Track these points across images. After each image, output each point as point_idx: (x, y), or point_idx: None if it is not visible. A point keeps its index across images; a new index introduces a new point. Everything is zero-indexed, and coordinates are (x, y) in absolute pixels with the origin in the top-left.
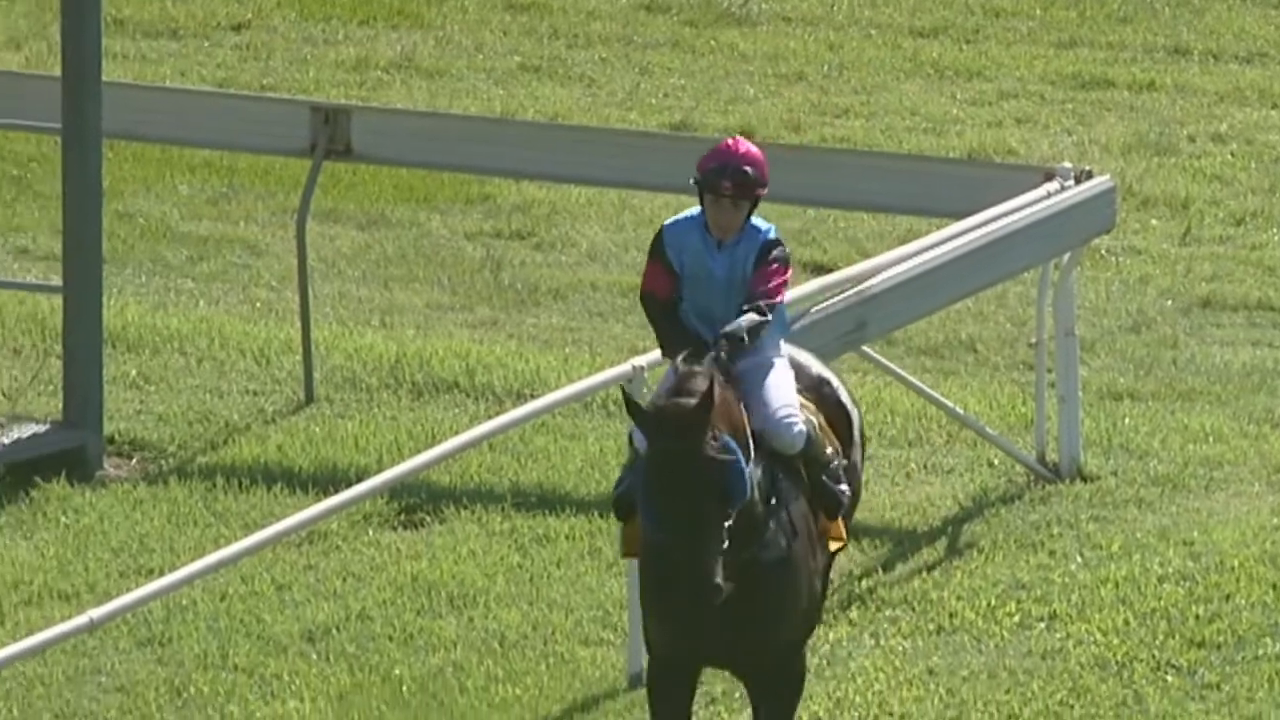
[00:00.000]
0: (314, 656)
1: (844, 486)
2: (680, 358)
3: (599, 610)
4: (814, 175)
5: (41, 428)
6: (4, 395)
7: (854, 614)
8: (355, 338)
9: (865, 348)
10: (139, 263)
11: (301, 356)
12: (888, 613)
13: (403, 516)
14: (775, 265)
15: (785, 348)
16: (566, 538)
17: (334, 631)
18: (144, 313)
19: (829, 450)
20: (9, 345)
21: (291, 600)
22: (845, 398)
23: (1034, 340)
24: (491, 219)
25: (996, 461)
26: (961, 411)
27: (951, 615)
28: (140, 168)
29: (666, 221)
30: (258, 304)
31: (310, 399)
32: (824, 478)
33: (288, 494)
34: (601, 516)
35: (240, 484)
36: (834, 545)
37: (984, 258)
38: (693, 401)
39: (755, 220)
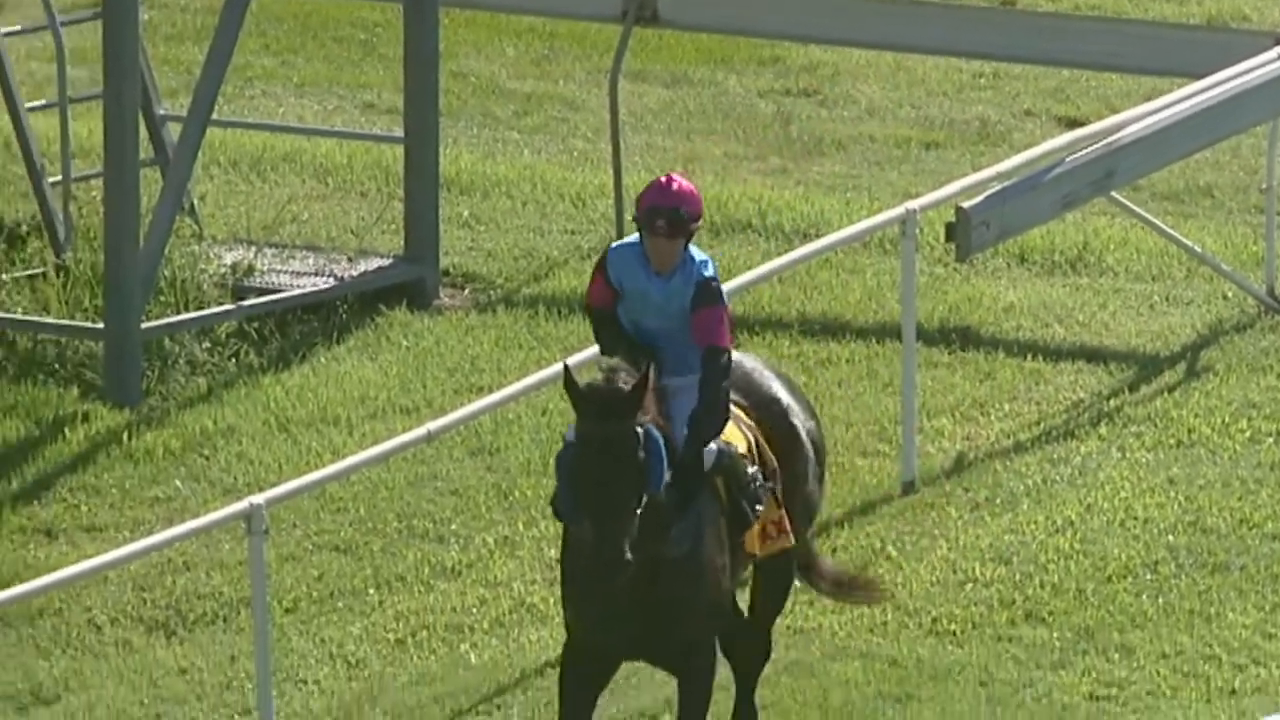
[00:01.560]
0: None
1: (759, 506)
2: (611, 361)
3: (875, 425)
4: (1068, 41)
5: (385, 262)
6: (353, 233)
7: (1103, 430)
8: None
9: (1113, 194)
10: (471, 116)
11: (613, 200)
12: (1133, 429)
13: None
14: (715, 308)
15: (749, 363)
16: (847, 361)
17: None
18: (475, 161)
19: (750, 470)
20: (356, 189)
21: None
22: (796, 416)
23: (1264, 186)
24: (781, 78)
25: (1230, 294)
26: (1199, 250)
27: (1190, 431)
28: (472, 31)
29: (612, 245)
30: (575, 153)
31: (621, 238)
32: (739, 497)
33: None
34: (879, 343)
35: (559, 312)
36: (759, 545)
37: (1219, 114)
38: (626, 388)
39: (693, 251)
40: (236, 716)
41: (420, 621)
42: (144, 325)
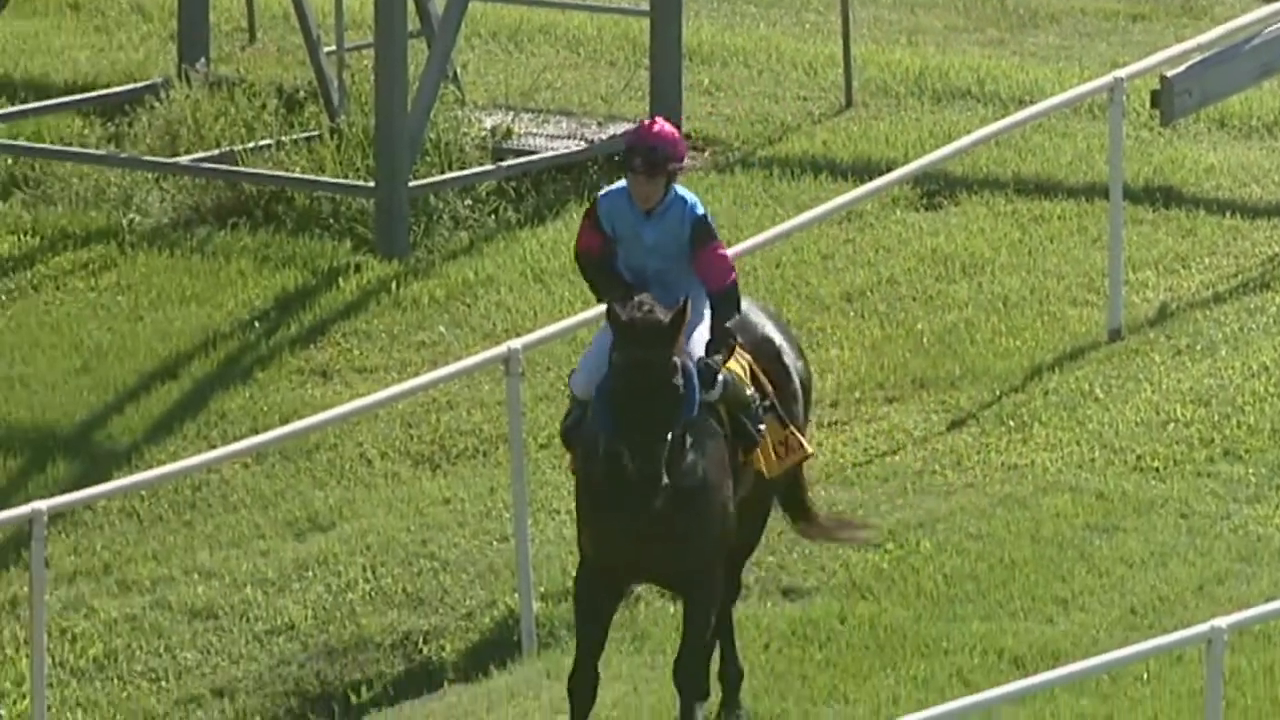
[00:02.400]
0: (851, 313)
1: (761, 426)
2: (637, 298)
3: (1084, 277)
4: None
5: (632, 126)
6: (602, 99)
7: None
8: (886, 53)
9: None
10: None
11: (842, 69)
12: None
13: (924, 200)
14: (714, 244)
15: (744, 305)
16: (1058, 218)
17: (868, 293)
18: (715, 32)
19: (749, 392)
20: (606, 59)
21: (834, 267)
22: (788, 357)
23: None
24: None
25: None
26: None
27: None
28: None
29: (601, 192)
30: (807, 25)
31: (850, 104)
32: (743, 417)
33: (830, 181)
34: (1088, 201)
35: (792, 173)
36: (768, 466)
37: None
38: (664, 320)
39: (682, 192)
40: (495, 543)
41: None
42: (411, 184)
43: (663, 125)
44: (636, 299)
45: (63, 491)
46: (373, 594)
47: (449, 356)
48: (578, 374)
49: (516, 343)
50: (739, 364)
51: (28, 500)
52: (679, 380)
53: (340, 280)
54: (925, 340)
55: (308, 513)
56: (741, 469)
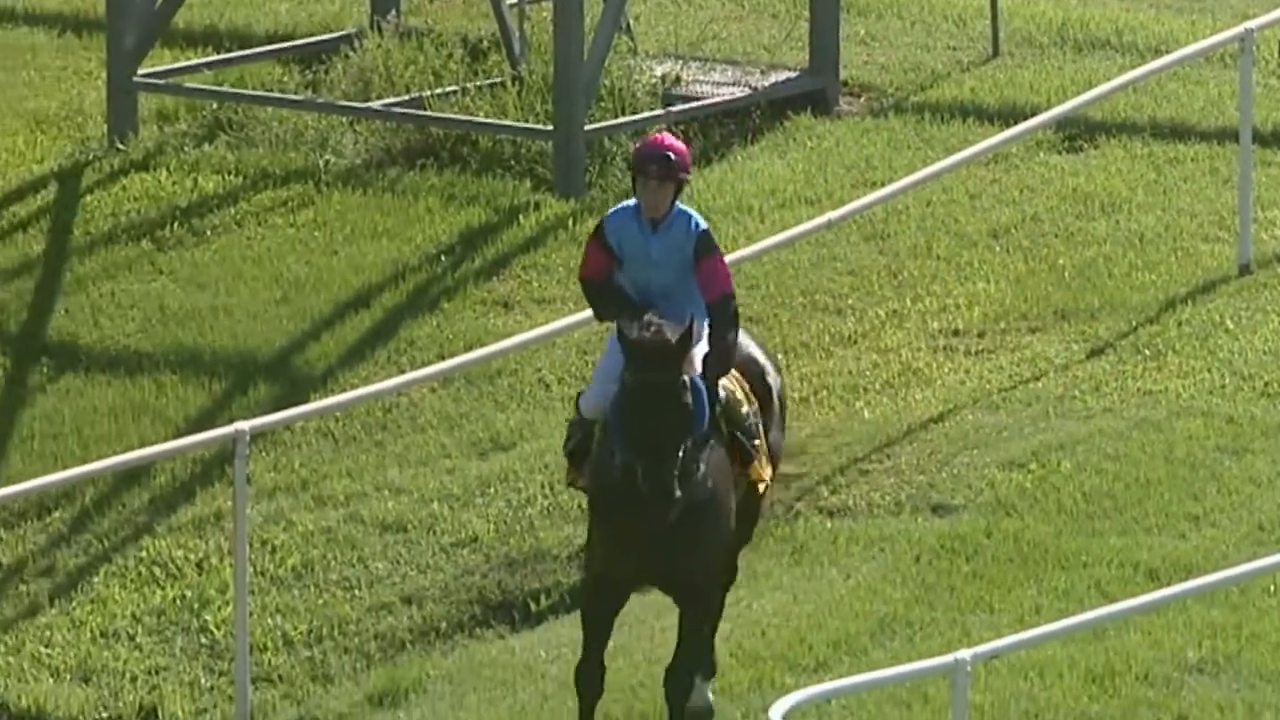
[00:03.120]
0: (997, 249)
1: (756, 441)
2: (645, 316)
3: (1215, 216)
4: None
5: (793, 74)
6: (765, 49)
7: None
8: (1031, 6)
9: None
10: None
11: (990, 20)
12: None
13: (1066, 143)
14: (715, 256)
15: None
16: (1191, 160)
17: (1012, 230)
18: None
19: (744, 409)
20: (768, 11)
21: (981, 206)
22: (770, 376)
23: None
24: None
25: None
26: None
27: None
28: None
29: (607, 214)
30: None
31: (996, 53)
32: (738, 433)
33: (977, 125)
34: (1219, 144)
35: (942, 118)
36: (761, 486)
37: None
38: (674, 339)
39: (684, 208)
40: None
41: (821, 382)
42: (587, 128)
43: (672, 139)
44: (645, 318)
45: (263, 413)
46: (550, 509)
47: None
48: (588, 394)
49: None
50: (736, 383)
51: (231, 421)
52: (688, 399)
53: (520, 217)
54: (1066, 274)
55: (490, 433)
56: (737, 481)
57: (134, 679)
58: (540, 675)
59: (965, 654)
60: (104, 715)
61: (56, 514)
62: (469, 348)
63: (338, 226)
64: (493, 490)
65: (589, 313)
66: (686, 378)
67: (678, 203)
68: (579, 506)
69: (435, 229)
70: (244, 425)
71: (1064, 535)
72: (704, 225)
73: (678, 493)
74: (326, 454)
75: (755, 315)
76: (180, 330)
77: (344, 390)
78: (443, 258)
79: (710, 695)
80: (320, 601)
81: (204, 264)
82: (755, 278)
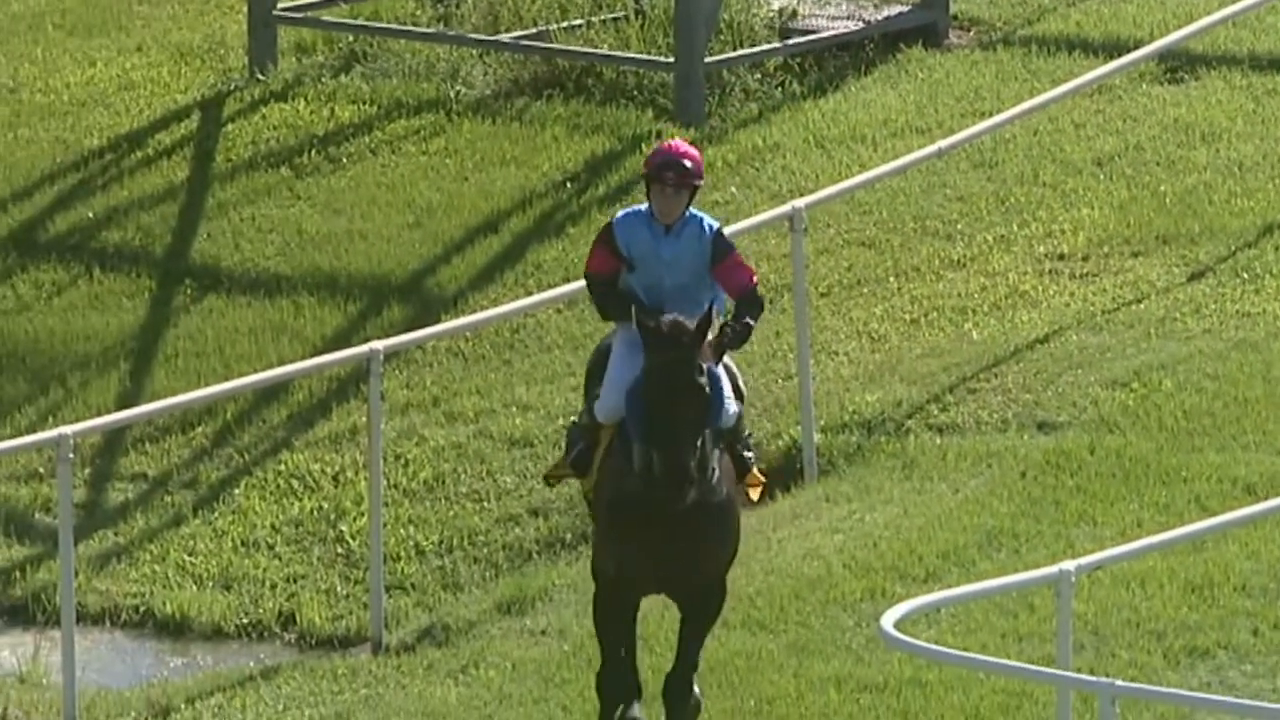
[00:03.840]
0: (1101, 176)
1: (751, 454)
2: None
3: None
4: None
5: (905, 8)
6: None
7: None
8: None
9: None
10: None
11: None
12: None
13: (1168, 75)
14: (733, 254)
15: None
16: None
17: (1116, 158)
18: None
19: (741, 422)
20: None
21: (1085, 135)
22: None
23: None
24: None
25: None
26: None
27: None
28: None
29: (615, 216)
30: None
31: None
32: (739, 447)
33: (1082, 58)
34: None
35: (1048, 50)
36: (754, 493)
37: None
38: (690, 323)
39: (696, 211)
40: (780, 381)
41: (931, 304)
42: (707, 60)
43: (686, 146)
44: (665, 316)
45: (396, 333)
46: None
47: (739, 215)
48: (602, 401)
49: (800, 202)
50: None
51: (366, 341)
52: (703, 381)
53: (642, 146)
54: (1167, 200)
55: None
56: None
57: (273, 587)
58: None
59: (1069, 565)
60: (245, 621)
61: (199, 429)
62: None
63: (467, 154)
64: None
65: None
66: (703, 363)
67: (690, 208)
68: None
69: (560, 157)
70: (378, 345)
71: (1164, 452)
72: (717, 225)
73: (694, 474)
74: (457, 372)
75: (868, 240)
76: (317, 254)
77: (473, 311)
78: (568, 184)
79: (696, 689)
80: (450, 513)
81: (340, 190)
82: (868, 204)
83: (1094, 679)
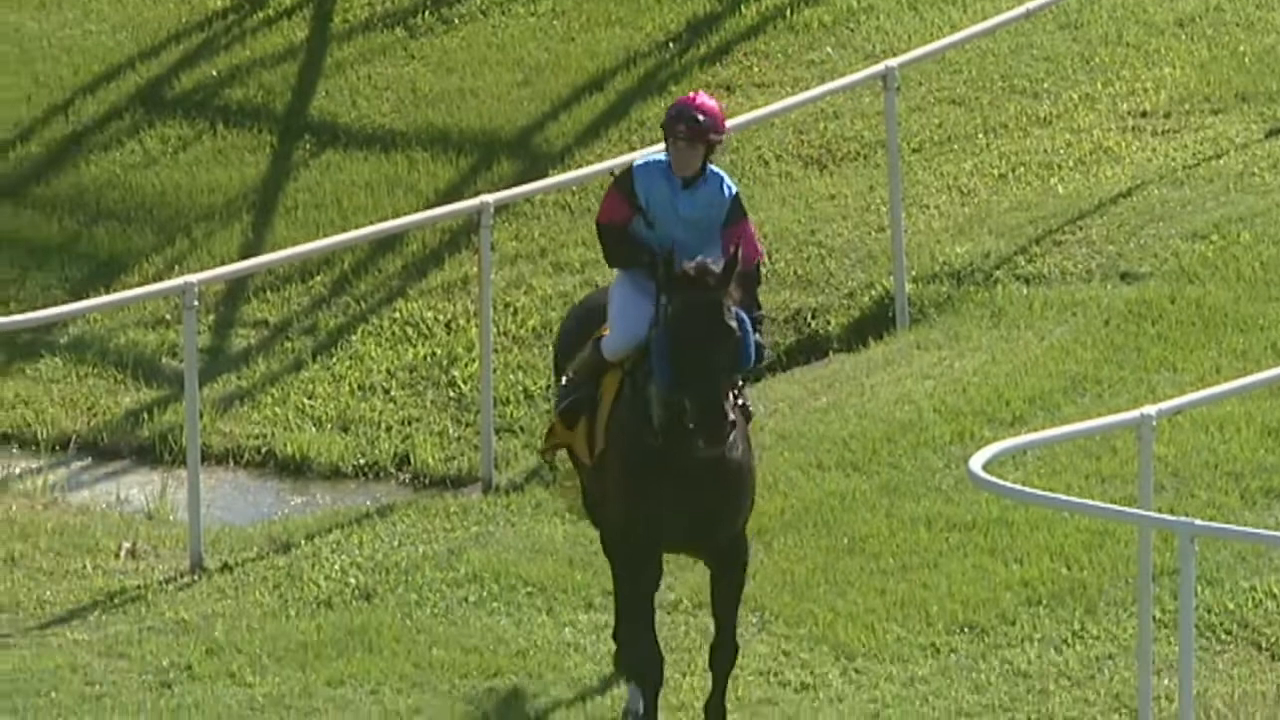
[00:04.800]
0: (1183, 36)
1: (749, 404)
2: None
3: None
4: None
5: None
6: None
7: None
8: None
9: None
10: None
11: None
12: None
13: None
14: (746, 221)
15: None
16: None
17: (1197, 19)
18: None
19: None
20: None
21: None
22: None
23: None
24: None
25: None
26: None
27: None
28: None
29: (636, 163)
30: None
31: None
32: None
33: None
34: None
35: None
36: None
37: None
38: (719, 267)
39: (718, 170)
40: (873, 233)
41: (1018, 160)
42: None
43: (706, 100)
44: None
45: (506, 186)
46: (769, 276)
47: (834, 74)
48: (609, 338)
49: (893, 62)
50: None
51: (477, 194)
52: (733, 322)
53: (742, 7)
54: (1247, 60)
55: None
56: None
57: (388, 429)
58: (758, 428)
59: (1150, 410)
60: (361, 462)
61: (318, 278)
62: None
63: (574, 15)
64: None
65: (805, 95)
66: (731, 305)
67: (711, 165)
68: (794, 273)
69: (664, 17)
70: (488, 198)
71: (1242, 301)
72: (735, 190)
73: (732, 417)
74: (563, 224)
75: (958, 98)
76: (430, 111)
77: (580, 166)
78: (670, 44)
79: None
80: None
81: (452, 50)
82: (958, 63)
83: (1173, 518)
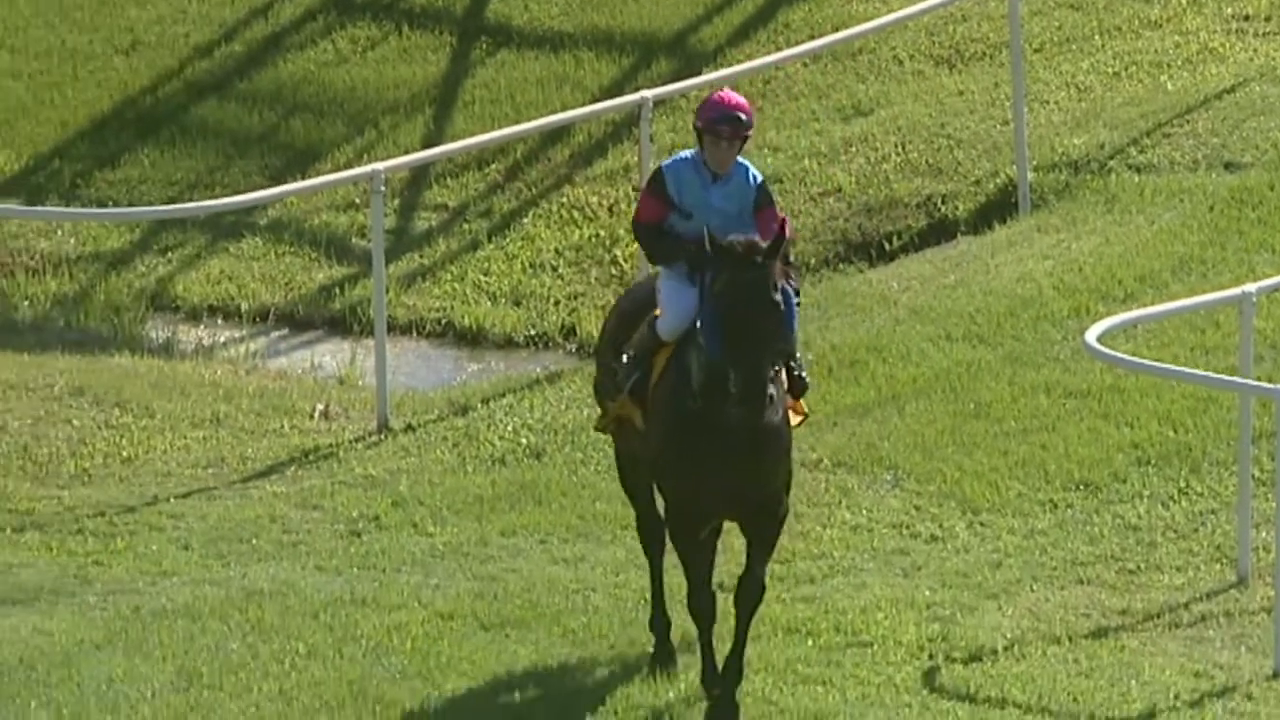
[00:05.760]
0: None
1: (805, 374)
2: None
3: None
4: None
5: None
6: None
7: None
8: None
9: None
10: None
11: None
12: None
13: None
14: (774, 207)
15: None
16: None
17: None
18: None
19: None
20: None
21: None
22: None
23: None
24: None
25: None
26: None
27: None
28: None
29: (664, 163)
30: None
31: None
32: (795, 367)
33: None
34: None
35: None
36: (796, 419)
37: None
38: (766, 243)
39: (743, 160)
40: (998, 126)
41: (1131, 59)
42: None
43: (737, 96)
44: (737, 235)
45: (664, 83)
46: (902, 165)
47: None
48: (664, 319)
49: None
50: None
51: (637, 90)
52: (779, 296)
53: None
54: None
55: (852, 101)
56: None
57: (556, 303)
58: (892, 303)
59: (1251, 287)
60: (532, 333)
61: (493, 166)
62: (836, 29)
63: None
64: (854, 149)
65: (936, 0)
66: (778, 280)
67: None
68: (925, 162)
69: None
70: (648, 93)
71: None
72: (761, 177)
73: (771, 390)
74: None
75: (1076, 2)
76: (595, 14)
77: (730, 65)
78: None
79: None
80: None
81: None
82: None
83: (1271, 386)
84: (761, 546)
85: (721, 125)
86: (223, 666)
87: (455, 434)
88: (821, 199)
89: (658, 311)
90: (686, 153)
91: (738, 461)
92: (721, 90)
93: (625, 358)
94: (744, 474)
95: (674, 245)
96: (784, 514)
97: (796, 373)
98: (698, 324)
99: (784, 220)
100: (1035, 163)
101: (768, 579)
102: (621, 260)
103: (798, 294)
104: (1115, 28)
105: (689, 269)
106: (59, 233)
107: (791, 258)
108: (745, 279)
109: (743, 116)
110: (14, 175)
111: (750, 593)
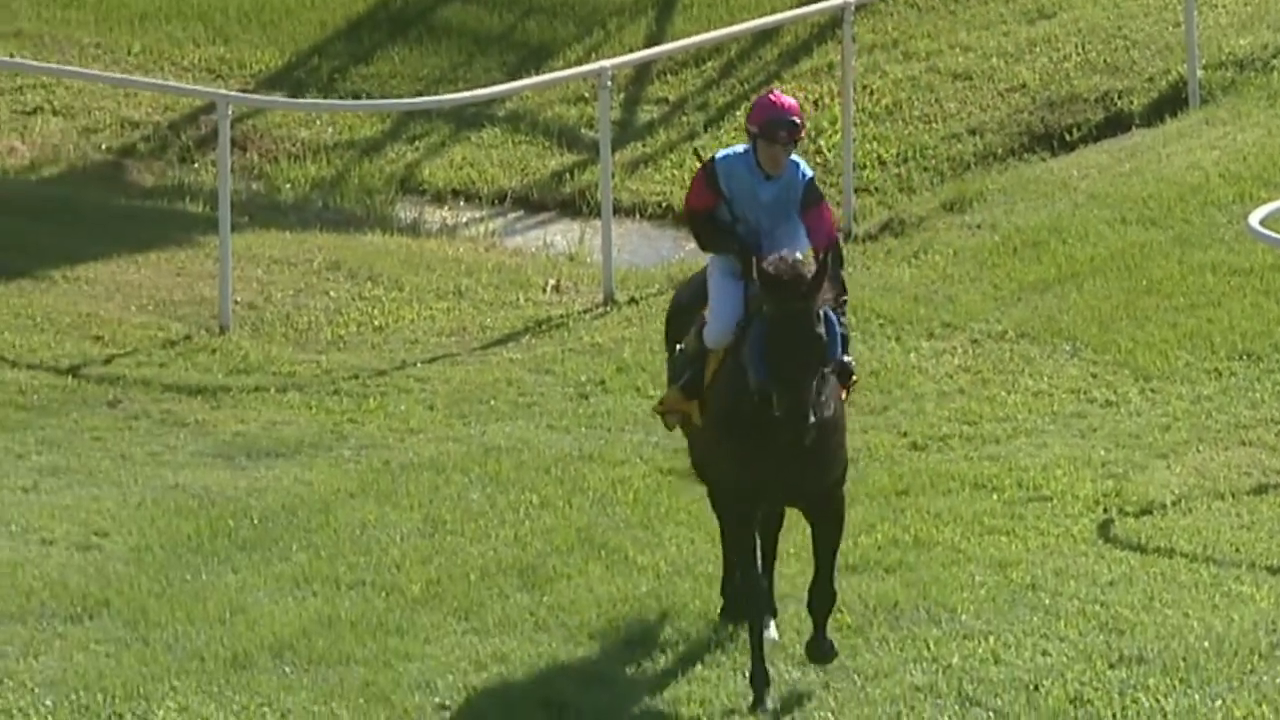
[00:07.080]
0: None
1: (851, 358)
2: (779, 254)
3: None
4: None
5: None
6: None
7: None
8: None
9: None
10: None
11: None
12: None
13: None
14: (823, 204)
15: None
16: None
17: None
18: None
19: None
20: None
21: None
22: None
23: None
24: None
25: None
26: None
27: None
28: None
29: (717, 155)
30: None
31: None
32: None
33: None
34: None
35: None
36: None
37: None
38: (809, 275)
39: (793, 157)
40: (1170, 27)
41: None
42: None
43: (787, 98)
44: (778, 255)
45: None
46: (1082, 64)
47: None
48: (710, 327)
49: None
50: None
51: None
52: (821, 329)
53: None
54: None
55: (1037, 5)
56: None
57: None
58: (1072, 189)
59: None
60: None
61: (709, 64)
62: None
63: None
64: (1038, 49)
65: None
66: (820, 310)
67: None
68: (1104, 61)
69: None
70: None
71: None
72: (810, 174)
73: (812, 418)
74: (912, 19)
75: None
76: None
77: None
78: None
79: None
80: (906, 132)
81: None
82: None
83: None
84: (826, 541)
85: (780, 130)
86: (464, 514)
87: None
88: (1008, 94)
89: (706, 313)
90: (739, 147)
91: (793, 455)
92: (770, 91)
93: (679, 350)
94: (798, 466)
95: (725, 237)
96: (841, 501)
97: (848, 360)
98: (746, 339)
99: (833, 232)
100: (1204, 61)
101: (837, 586)
102: (826, 149)
103: (843, 310)
104: None
105: (738, 263)
106: (318, 122)
107: (842, 264)
108: (789, 311)
109: (797, 120)
110: (278, 71)
111: (823, 601)
